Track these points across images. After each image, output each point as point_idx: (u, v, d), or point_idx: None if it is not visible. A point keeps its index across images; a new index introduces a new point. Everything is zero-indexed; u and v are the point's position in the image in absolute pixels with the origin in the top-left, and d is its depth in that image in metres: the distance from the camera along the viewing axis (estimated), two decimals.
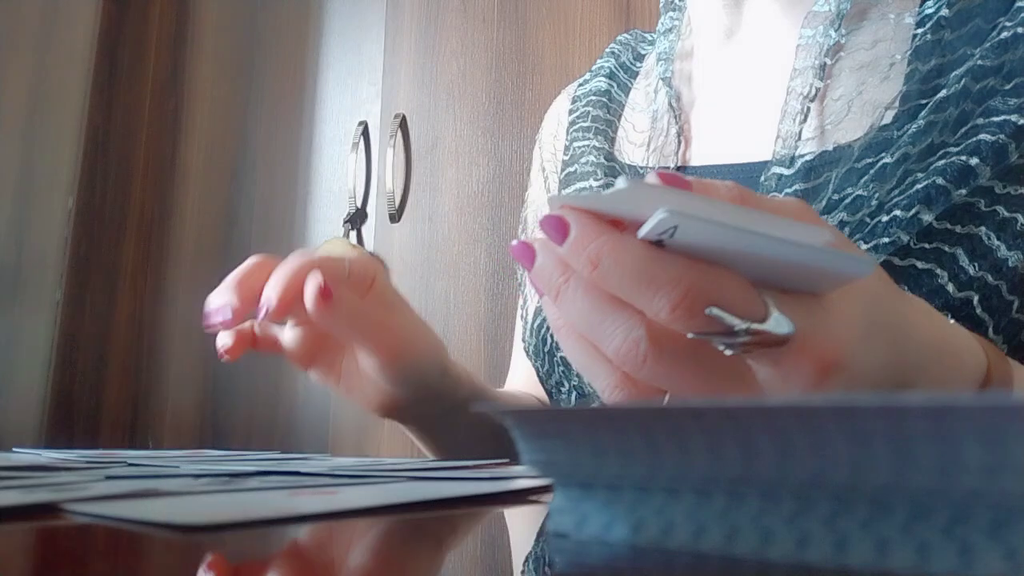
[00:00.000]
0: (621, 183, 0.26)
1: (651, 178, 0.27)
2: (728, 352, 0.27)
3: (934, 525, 0.14)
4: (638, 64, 0.67)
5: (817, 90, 0.50)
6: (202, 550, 0.17)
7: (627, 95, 0.64)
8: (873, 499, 0.14)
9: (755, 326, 0.26)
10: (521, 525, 0.23)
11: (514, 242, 0.31)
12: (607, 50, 0.69)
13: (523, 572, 0.16)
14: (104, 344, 1.57)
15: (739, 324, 0.26)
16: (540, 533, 0.20)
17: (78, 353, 1.53)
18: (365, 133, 1.39)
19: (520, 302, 0.67)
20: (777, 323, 0.26)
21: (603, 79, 0.66)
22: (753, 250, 0.26)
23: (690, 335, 0.27)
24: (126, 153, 1.64)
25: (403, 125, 1.34)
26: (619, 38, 0.70)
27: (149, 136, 1.66)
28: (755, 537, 0.15)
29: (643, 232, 0.26)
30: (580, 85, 0.68)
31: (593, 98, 0.64)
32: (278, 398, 1.41)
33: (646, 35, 0.70)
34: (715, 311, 0.26)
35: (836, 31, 0.51)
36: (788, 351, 0.26)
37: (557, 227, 0.28)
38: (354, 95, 1.43)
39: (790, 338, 0.26)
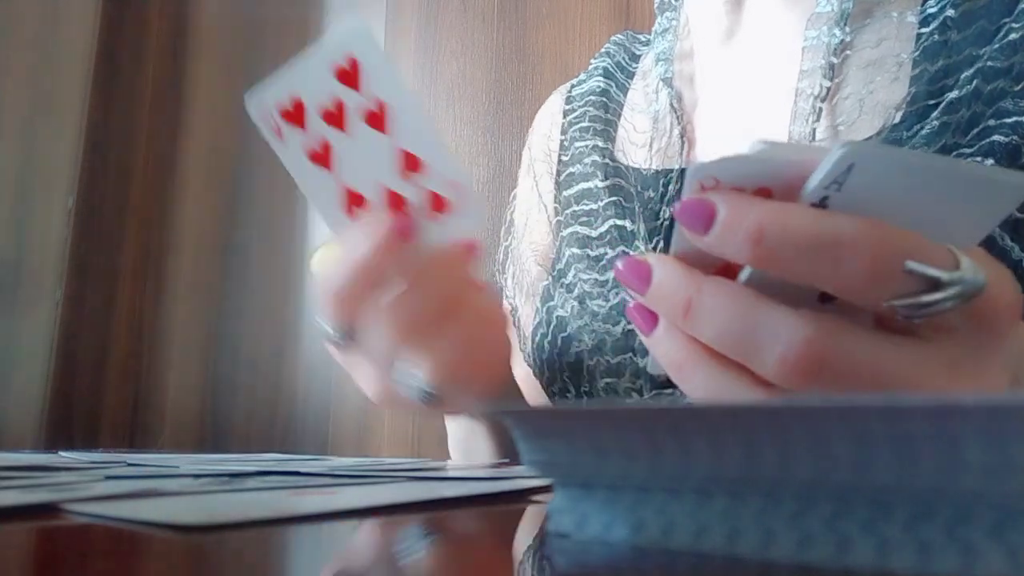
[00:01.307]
0: (759, 144, 0.23)
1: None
2: (924, 319, 0.23)
3: (936, 525, 0.14)
4: (634, 64, 0.66)
5: (827, 90, 0.50)
6: (202, 550, 0.17)
7: (625, 95, 0.64)
8: (874, 499, 0.14)
9: (958, 274, 0.23)
10: (521, 525, 0.23)
11: (618, 263, 0.27)
12: (602, 51, 0.69)
13: (523, 572, 0.16)
14: (104, 344, 1.57)
15: (944, 275, 0.23)
16: (540, 533, 0.20)
17: (78, 353, 1.53)
18: None
19: (507, 308, 0.65)
20: (972, 269, 0.23)
21: (600, 79, 0.65)
22: (933, 187, 0.23)
23: (889, 303, 0.23)
24: (126, 153, 1.64)
25: None
26: (613, 39, 0.69)
27: (149, 136, 1.66)
28: (756, 537, 0.15)
29: (815, 181, 0.23)
30: (575, 86, 0.67)
31: (591, 98, 0.64)
32: (278, 398, 1.41)
33: (639, 36, 0.69)
34: (914, 265, 0.23)
35: (841, 30, 0.51)
36: (983, 301, 0.24)
37: (700, 213, 0.24)
38: None
39: (985, 286, 0.23)
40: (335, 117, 0.38)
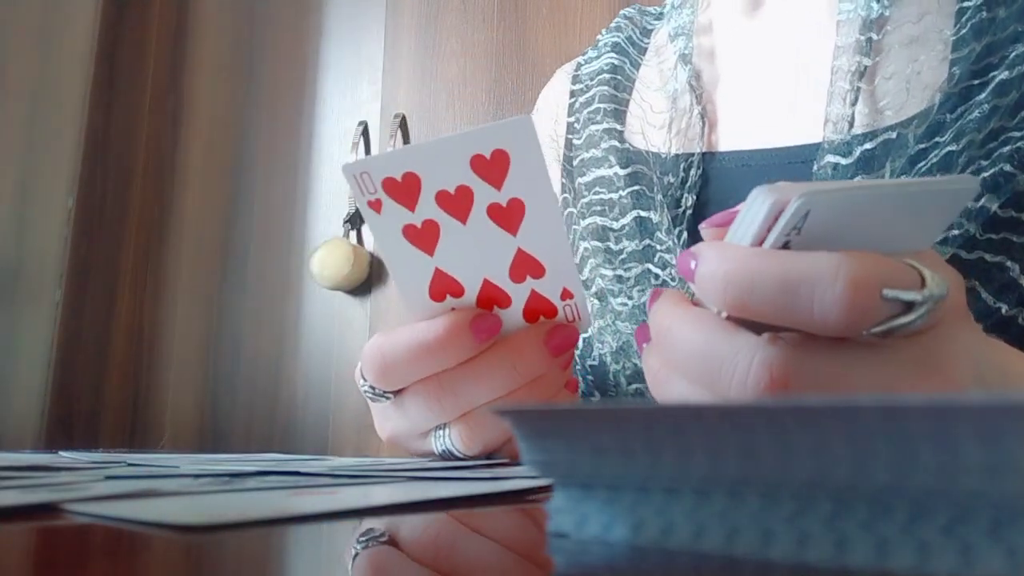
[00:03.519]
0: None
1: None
2: (895, 337, 0.24)
3: (934, 525, 0.14)
4: (646, 40, 0.62)
5: (866, 67, 0.47)
6: (202, 550, 0.17)
7: (638, 71, 0.60)
8: (873, 499, 0.14)
9: (927, 292, 0.23)
10: (521, 525, 0.23)
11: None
12: (611, 26, 0.65)
13: (523, 572, 0.16)
14: (104, 344, 1.57)
15: (918, 297, 0.23)
16: (540, 533, 0.20)
17: (78, 353, 1.53)
18: (365, 133, 1.39)
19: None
20: (936, 282, 0.24)
21: (612, 55, 0.61)
22: (887, 210, 0.24)
23: (869, 332, 0.24)
24: (126, 153, 1.64)
25: (403, 125, 1.34)
26: (623, 12, 0.65)
27: (149, 136, 1.66)
28: (755, 537, 0.15)
29: (774, 233, 0.24)
30: (583, 64, 0.63)
31: (604, 75, 0.60)
32: (278, 398, 1.41)
33: (649, 10, 0.65)
34: (891, 293, 0.23)
35: (879, 2, 0.48)
36: (944, 308, 0.24)
37: (688, 264, 0.26)
38: (354, 95, 1.43)
39: (948, 293, 0.24)
40: (455, 204, 0.35)
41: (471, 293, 0.37)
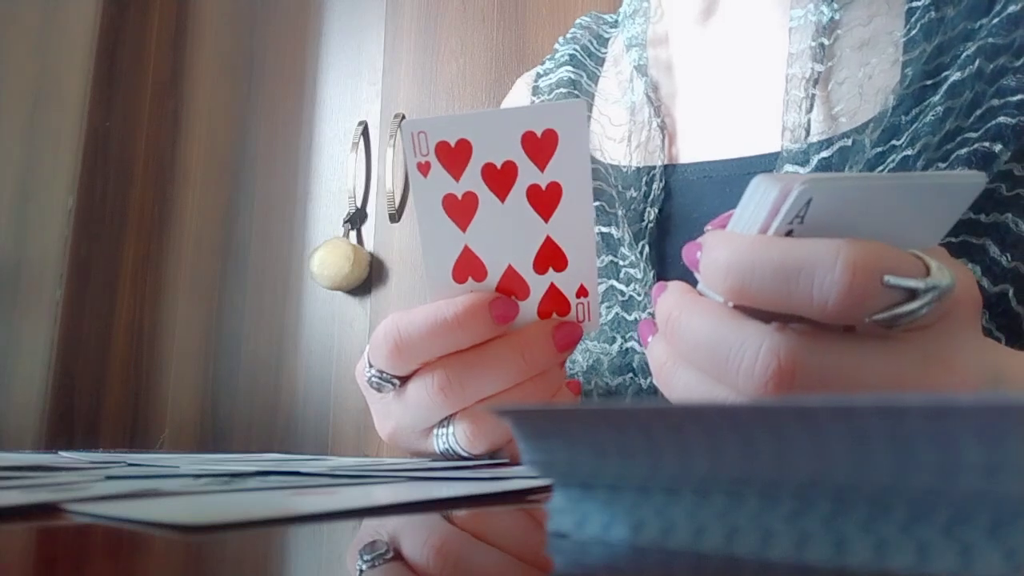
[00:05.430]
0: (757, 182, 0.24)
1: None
2: (898, 328, 0.24)
3: (934, 525, 0.14)
4: (603, 50, 0.62)
5: (819, 74, 0.47)
6: (202, 550, 0.17)
7: (596, 84, 0.59)
8: (873, 499, 0.14)
9: (932, 281, 0.23)
10: (521, 525, 0.23)
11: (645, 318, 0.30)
12: (567, 35, 0.64)
13: (523, 572, 0.16)
14: (104, 344, 1.57)
15: (921, 284, 0.23)
16: (540, 533, 0.20)
17: (78, 353, 1.53)
18: (365, 133, 1.39)
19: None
20: (941, 272, 0.24)
21: (568, 69, 0.60)
22: (891, 202, 0.24)
23: (871, 319, 0.23)
24: (126, 153, 1.64)
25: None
26: (578, 21, 0.65)
27: (149, 136, 1.66)
28: (754, 537, 0.15)
29: (777, 221, 0.24)
30: (542, 75, 0.63)
31: (561, 90, 0.59)
32: (278, 398, 1.41)
33: (605, 17, 0.65)
34: (892, 280, 0.23)
35: (829, 7, 0.48)
36: (951, 298, 0.24)
37: (692, 254, 0.26)
38: (354, 95, 1.43)
39: (955, 285, 0.24)
40: (498, 179, 0.35)
41: (492, 279, 0.37)
